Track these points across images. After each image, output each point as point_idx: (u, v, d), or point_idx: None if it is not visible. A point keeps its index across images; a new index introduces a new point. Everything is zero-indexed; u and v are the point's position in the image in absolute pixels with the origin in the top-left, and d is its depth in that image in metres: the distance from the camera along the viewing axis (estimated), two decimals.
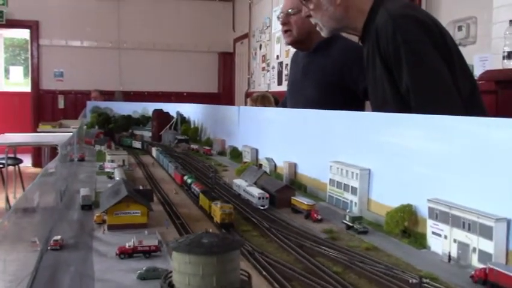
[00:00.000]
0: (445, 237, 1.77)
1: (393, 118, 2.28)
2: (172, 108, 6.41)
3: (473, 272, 1.54)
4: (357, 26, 2.72)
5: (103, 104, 8.60)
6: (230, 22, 14.18)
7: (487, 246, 1.59)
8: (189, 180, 2.98)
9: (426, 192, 1.93)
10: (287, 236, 1.98)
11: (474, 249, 1.64)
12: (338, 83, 3.57)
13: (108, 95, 12.12)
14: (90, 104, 8.64)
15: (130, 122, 7.00)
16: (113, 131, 6.28)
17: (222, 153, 4.81)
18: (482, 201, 1.68)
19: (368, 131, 2.46)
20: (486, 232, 1.59)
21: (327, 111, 2.96)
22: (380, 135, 2.34)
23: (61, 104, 13.47)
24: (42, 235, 1.85)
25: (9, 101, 15.18)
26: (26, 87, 14.93)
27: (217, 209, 2.15)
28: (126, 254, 1.70)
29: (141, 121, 7.27)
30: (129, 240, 1.75)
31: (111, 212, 2.02)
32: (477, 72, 4.79)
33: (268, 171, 3.43)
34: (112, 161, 3.70)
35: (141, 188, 2.55)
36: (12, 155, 9.60)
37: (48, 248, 1.78)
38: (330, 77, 3.61)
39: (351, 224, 2.11)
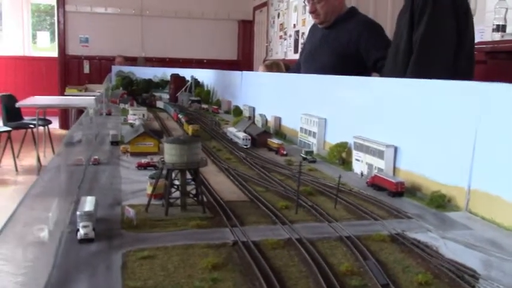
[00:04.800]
0: (362, 161, 2.55)
1: (340, 80, 3.03)
2: (188, 73, 7.17)
3: (367, 180, 2.32)
4: None
5: (126, 69, 9.44)
6: None
7: (381, 164, 2.36)
8: (180, 115, 4.28)
9: (358, 132, 2.69)
10: (256, 162, 2.77)
11: (375, 168, 2.41)
12: (352, 53, 4.17)
13: (131, 61, 12.84)
14: (114, 69, 9.47)
15: (150, 85, 7.82)
16: (135, 92, 7.09)
17: (228, 111, 5.60)
18: (384, 135, 2.44)
19: (327, 90, 3.21)
20: (381, 155, 2.36)
21: (302, 75, 3.71)
22: (334, 93, 3.10)
23: (86, 69, 14.01)
24: (84, 156, 2.68)
25: (37, 65, 15.65)
26: (52, 52, 15.30)
27: (190, 127, 3.57)
28: (142, 166, 2.51)
29: (160, 84, 8.10)
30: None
31: (133, 143, 2.84)
32: None
33: (260, 124, 4.21)
34: (134, 115, 4.51)
35: (154, 129, 3.37)
36: (41, 117, 10.02)
37: (90, 163, 2.61)
38: (346, 47, 4.22)
39: (305, 156, 2.90)
